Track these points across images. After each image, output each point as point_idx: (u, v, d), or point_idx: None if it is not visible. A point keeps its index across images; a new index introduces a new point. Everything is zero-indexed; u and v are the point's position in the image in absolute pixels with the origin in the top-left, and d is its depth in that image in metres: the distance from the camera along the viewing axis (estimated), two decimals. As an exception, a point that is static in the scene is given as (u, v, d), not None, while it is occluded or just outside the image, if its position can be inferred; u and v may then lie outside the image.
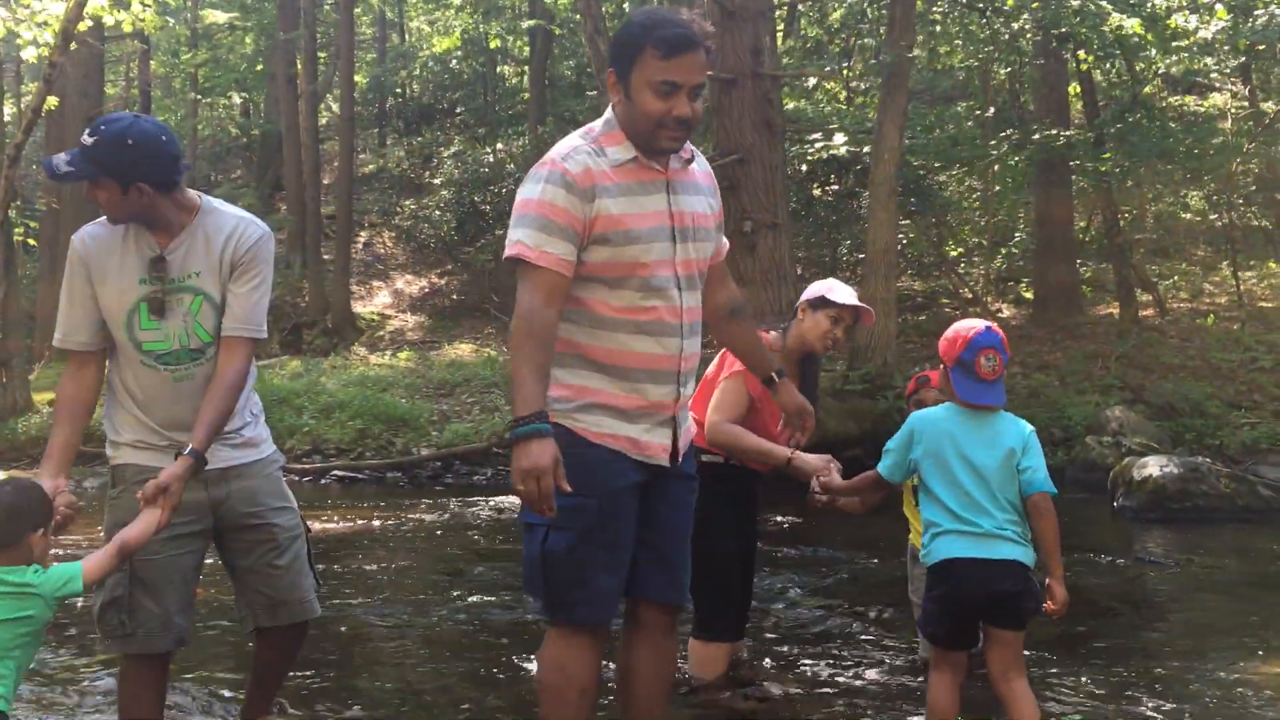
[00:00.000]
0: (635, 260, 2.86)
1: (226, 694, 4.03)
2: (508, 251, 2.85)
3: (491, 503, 9.74)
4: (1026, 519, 3.29)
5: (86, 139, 3.09)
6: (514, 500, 9.92)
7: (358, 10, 24.88)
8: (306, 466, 11.92)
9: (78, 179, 3.08)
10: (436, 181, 22.98)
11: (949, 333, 3.44)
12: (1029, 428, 3.36)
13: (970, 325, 3.44)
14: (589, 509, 2.80)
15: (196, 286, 3.16)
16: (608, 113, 2.96)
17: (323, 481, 11.71)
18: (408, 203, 22.95)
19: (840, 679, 4.31)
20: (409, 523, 8.72)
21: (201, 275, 3.16)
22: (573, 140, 2.93)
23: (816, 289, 4.08)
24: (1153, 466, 8.70)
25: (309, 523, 3.49)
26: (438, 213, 21.44)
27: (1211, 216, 17.37)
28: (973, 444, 3.30)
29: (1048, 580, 3.28)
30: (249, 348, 3.21)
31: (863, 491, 3.62)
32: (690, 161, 3.02)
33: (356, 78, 23.95)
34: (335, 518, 8.94)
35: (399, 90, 26.90)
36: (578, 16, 15.41)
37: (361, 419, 13.08)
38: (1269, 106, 17.89)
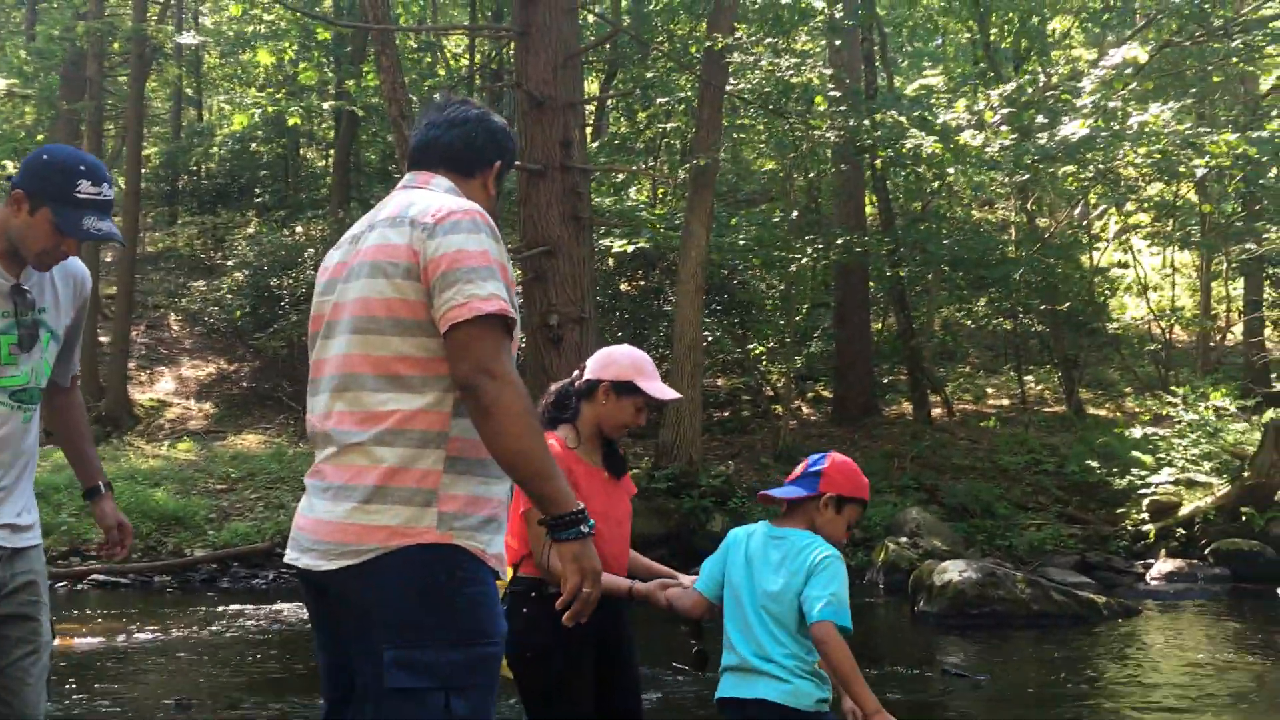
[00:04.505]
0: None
1: None
2: (490, 308, 2.17)
3: (267, 610, 8.98)
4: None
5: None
6: (293, 606, 9.16)
7: (152, 83, 23.80)
8: (62, 570, 10.78)
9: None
10: (230, 264, 21.93)
11: (848, 468, 3.39)
12: (820, 554, 3.08)
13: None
14: (496, 658, 2.27)
15: (47, 322, 2.98)
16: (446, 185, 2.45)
17: (79, 587, 10.60)
18: (198, 284, 21.77)
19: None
20: (170, 637, 7.88)
21: (48, 311, 2.99)
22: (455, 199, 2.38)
23: (622, 369, 3.33)
24: (952, 571, 8.73)
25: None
26: (229, 296, 20.39)
27: (995, 322, 18.27)
28: (764, 567, 3.08)
29: (865, 714, 3.01)
30: None
31: (698, 611, 3.27)
32: None
33: (149, 152, 22.75)
34: (86, 630, 8.01)
35: (194, 168, 25.74)
36: (381, 101, 15.06)
37: (129, 516, 12.00)
38: (1044, 222, 19.10)
